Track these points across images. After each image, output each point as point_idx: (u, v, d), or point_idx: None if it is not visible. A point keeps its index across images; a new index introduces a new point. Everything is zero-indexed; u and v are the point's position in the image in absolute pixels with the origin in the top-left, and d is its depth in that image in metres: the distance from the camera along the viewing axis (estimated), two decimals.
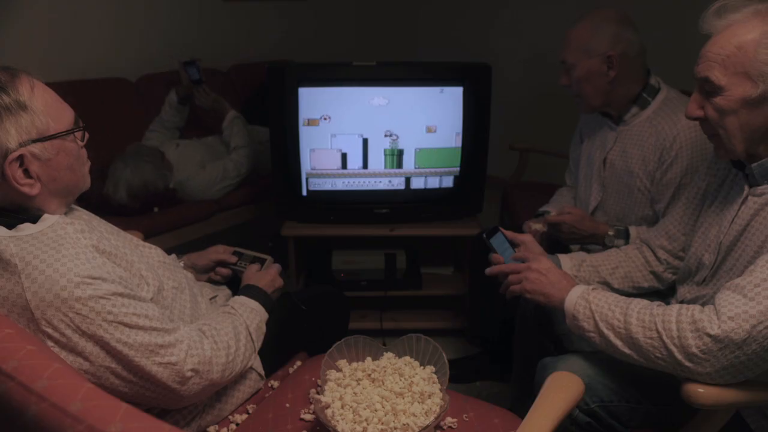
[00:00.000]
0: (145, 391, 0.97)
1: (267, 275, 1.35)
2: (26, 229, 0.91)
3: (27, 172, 0.91)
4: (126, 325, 0.91)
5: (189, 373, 0.98)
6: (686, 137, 1.46)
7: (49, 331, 0.87)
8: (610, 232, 1.57)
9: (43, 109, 0.92)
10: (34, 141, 0.90)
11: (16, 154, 0.89)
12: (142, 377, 0.95)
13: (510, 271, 1.24)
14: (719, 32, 1.01)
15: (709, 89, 1.02)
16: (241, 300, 1.23)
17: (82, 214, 1.07)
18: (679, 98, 1.54)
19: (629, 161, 1.58)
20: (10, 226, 0.91)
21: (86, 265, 0.89)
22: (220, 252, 1.44)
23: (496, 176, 2.68)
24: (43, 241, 0.89)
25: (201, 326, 1.08)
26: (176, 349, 0.97)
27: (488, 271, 1.29)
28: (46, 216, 0.95)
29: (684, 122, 1.45)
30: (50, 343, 0.88)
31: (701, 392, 0.95)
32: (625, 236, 1.56)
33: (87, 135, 1.02)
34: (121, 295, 0.92)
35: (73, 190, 1.01)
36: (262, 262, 1.42)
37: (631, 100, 1.56)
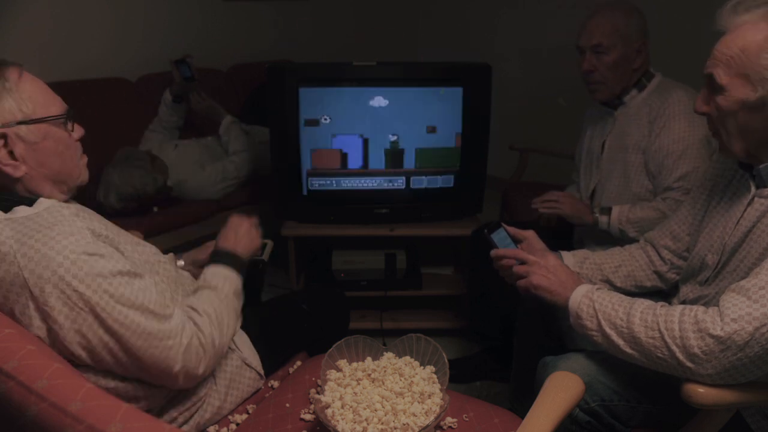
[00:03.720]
0: (139, 373, 0.97)
1: (231, 230, 1.28)
2: (21, 211, 0.92)
3: (12, 155, 0.93)
4: (123, 304, 0.91)
5: (180, 361, 0.98)
6: (675, 108, 1.55)
7: (47, 309, 0.87)
8: (596, 213, 1.67)
9: (30, 95, 0.94)
10: (19, 123, 0.92)
11: None
12: (136, 359, 0.94)
13: (516, 257, 1.24)
14: (730, 31, 1.01)
15: (713, 87, 1.03)
16: (215, 271, 1.19)
17: (76, 206, 1.07)
18: (672, 82, 1.64)
19: (624, 139, 1.66)
20: (6, 210, 0.92)
21: (81, 241, 0.90)
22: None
23: (496, 176, 2.68)
24: (38, 222, 0.90)
25: (193, 314, 1.07)
26: (171, 335, 0.96)
27: (494, 252, 1.28)
28: (41, 200, 0.96)
29: (674, 97, 1.56)
30: (50, 322, 0.88)
31: (701, 392, 0.95)
32: (608, 213, 1.64)
33: (81, 129, 1.04)
34: (120, 273, 0.92)
35: (66, 178, 1.01)
36: (263, 247, 1.41)
37: (632, 85, 1.66)
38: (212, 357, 1.06)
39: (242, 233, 1.29)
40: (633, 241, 1.52)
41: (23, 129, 0.93)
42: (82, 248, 0.89)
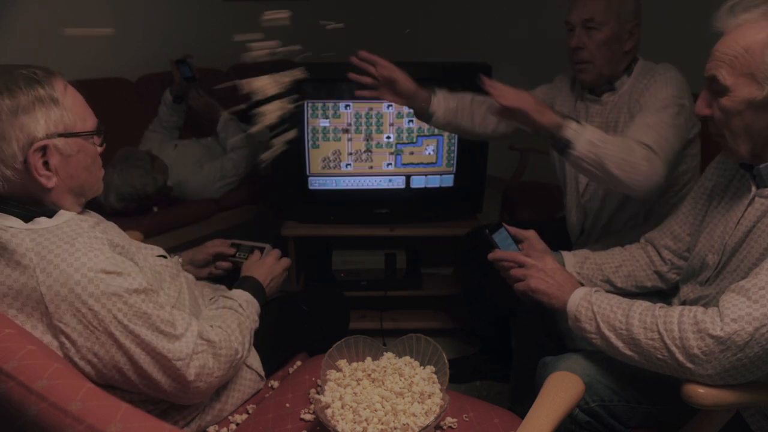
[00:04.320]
0: (148, 390, 0.98)
1: (264, 265, 1.35)
2: (42, 222, 0.92)
3: (47, 165, 0.93)
4: (137, 324, 0.92)
5: (191, 378, 0.99)
6: (660, 77, 1.50)
7: (61, 325, 0.88)
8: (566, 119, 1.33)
9: (73, 108, 0.96)
10: (60, 135, 0.93)
11: (41, 143, 0.91)
12: (145, 378, 0.95)
13: (514, 260, 1.23)
14: (730, 31, 1.00)
15: (716, 89, 1.02)
16: (247, 297, 1.23)
17: (94, 216, 1.08)
18: (651, 64, 1.59)
19: (616, 129, 1.59)
20: (27, 219, 0.92)
21: (100, 257, 0.90)
22: (218, 245, 1.44)
23: (496, 176, 2.68)
24: (59, 236, 0.90)
25: (208, 332, 1.06)
26: (182, 355, 0.97)
27: (491, 256, 1.27)
28: (62, 212, 0.96)
29: (659, 69, 1.52)
30: (62, 338, 0.88)
31: (701, 392, 0.95)
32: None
33: (104, 144, 1.05)
34: (136, 291, 0.92)
35: (87, 191, 1.03)
36: (261, 250, 1.42)
37: (622, 71, 1.60)
38: (222, 377, 1.07)
39: (265, 268, 1.34)
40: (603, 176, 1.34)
41: (61, 141, 0.93)
42: (101, 265, 0.89)
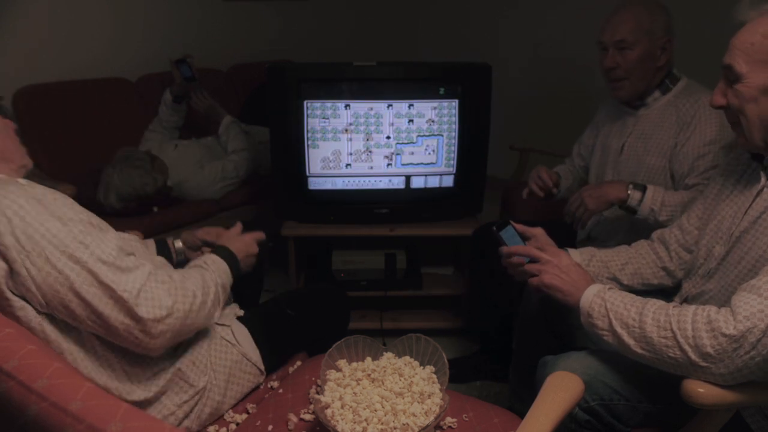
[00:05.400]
0: (100, 329, 0.95)
1: (241, 240, 1.34)
2: None
3: None
4: (78, 250, 0.91)
5: (143, 313, 0.95)
6: (705, 112, 1.51)
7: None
8: (629, 188, 1.53)
9: None
10: None
11: None
12: (93, 313, 0.93)
13: (528, 255, 1.22)
14: (751, 21, 1.03)
15: (732, 77, 1.04)
16: (213, 258, 1.22)
17: (36, 187, 1.06)
18: (699, 85, 1.60)
19: (647, 142, 1.62)
20: None
21: (30, 202, 0.91)
22: (207, 233, 1.44)
23: (496, 176, 2.68)
24: None
25: (161, 275, 1.02)
26: (130, 287, 0.94)
27: (505, 249, 1.26)
28: None
29: (705, 100, 1.50)
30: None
31: (701, 392, 0.95)
32: (642, 190, 1.52)
33: (13, 125, 1.08)
34: (72, 220, 0.93)
35: (9, 157, 1.04)
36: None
37: (654, 86, 1.62)
38: (182, 321, 1.02)
39: (241, 243, 1.33)
40: (658, 226, 1.46)
41: None
42: (30, 206, 0.90)
